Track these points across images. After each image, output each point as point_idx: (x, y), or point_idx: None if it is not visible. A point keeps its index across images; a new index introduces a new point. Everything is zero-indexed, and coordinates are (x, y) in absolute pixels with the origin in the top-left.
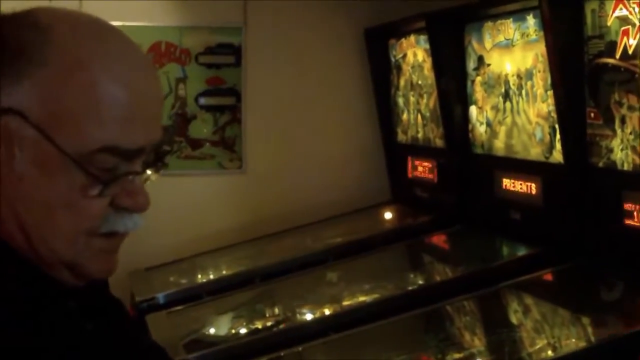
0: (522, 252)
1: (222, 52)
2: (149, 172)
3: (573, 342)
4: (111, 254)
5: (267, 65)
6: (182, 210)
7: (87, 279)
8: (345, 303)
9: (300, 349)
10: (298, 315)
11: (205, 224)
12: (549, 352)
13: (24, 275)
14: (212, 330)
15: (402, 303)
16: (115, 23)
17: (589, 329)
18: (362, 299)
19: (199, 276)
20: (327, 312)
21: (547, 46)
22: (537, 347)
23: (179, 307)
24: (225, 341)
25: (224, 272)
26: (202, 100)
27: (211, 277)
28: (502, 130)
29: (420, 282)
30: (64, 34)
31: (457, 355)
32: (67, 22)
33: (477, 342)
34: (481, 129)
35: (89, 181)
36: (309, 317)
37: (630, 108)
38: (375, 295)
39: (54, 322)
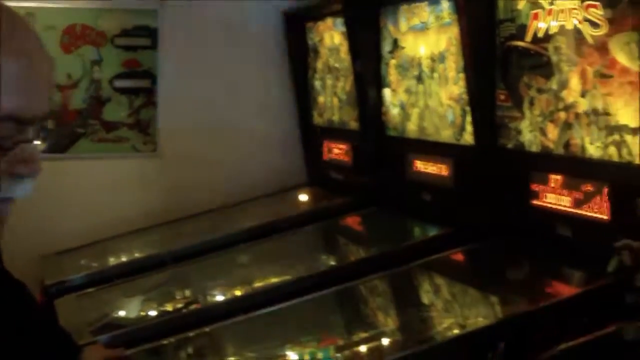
0: (433, 232)
1: (138, 35)
2: (36, 142)
3: (480, 320)
4: (3, 220)
5: (183, 48)
6: (95, 193)
7: None
8: (257, 285)
9: (207, 329)
10: (208, 297)
11: (119, 207)
12: (455, 331)
13: None
14: (121, 313)
15: (312, 284)
16: (30, 4)
17: (496, 307)
18: (273, 280)
19: (111, 259)
20: (237, 293)
21: (460, 29)
22: (444, 325)
23: (89, 290)
24: (134, 323)
25: (136, 255)
26: (118, 83)
27: (123, 260)
28: (414, 113)
29: (332, 263)
30: None
31: (363, 335)
32: None
33: (387, 322)
34: (395, 112)
35: None
36: (219, 298)
37: (539, 90)
38: (287, 277)
39: None
